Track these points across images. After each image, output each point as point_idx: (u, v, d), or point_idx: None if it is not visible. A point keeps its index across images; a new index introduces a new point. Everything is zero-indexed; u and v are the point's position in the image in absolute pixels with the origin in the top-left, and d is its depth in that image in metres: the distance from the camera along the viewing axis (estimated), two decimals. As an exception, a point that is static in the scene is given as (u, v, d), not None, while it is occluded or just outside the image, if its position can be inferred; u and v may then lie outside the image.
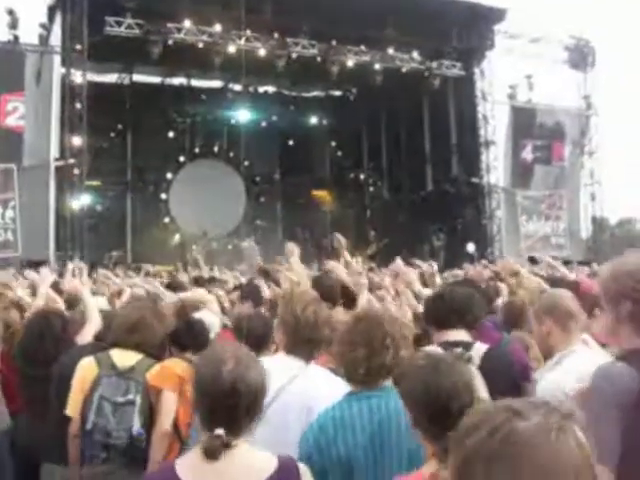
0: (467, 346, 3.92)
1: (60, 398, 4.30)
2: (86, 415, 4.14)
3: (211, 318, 5.16)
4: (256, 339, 4.31)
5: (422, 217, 27.64)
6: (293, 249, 6.52)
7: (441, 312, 4.07)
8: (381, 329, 2.99)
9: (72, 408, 4.21)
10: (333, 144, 33.61)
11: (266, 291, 7.33)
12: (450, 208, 26.78)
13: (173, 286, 8.27)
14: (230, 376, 2.37)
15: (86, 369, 4.26)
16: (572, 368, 3.38)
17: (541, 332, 3.81)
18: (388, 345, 2.95)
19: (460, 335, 4.00)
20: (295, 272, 6.37)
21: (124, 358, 4.27)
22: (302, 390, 3.29)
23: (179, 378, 4.10)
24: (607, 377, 2.39)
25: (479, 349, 3.88)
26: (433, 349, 3.68)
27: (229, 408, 2.34)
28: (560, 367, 3.54)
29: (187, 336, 4.56)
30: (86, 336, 4.94)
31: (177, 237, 28.85)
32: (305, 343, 3.47)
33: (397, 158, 30.37)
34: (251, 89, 30.67)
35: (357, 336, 2.99)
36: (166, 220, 29.55)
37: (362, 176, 33.16)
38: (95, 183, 25.58)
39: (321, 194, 32.72)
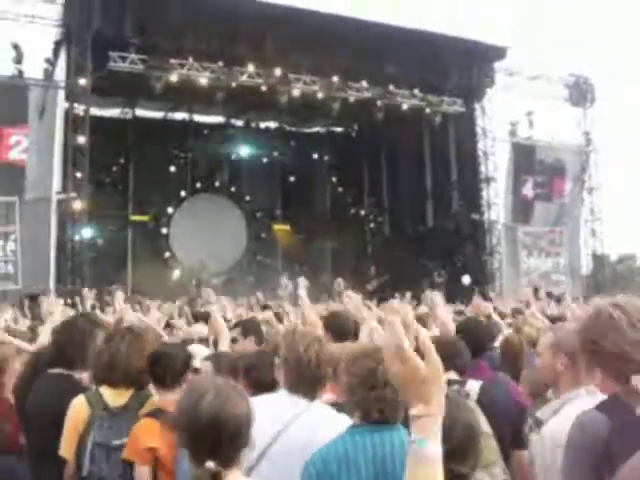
0: (461, 384, 3.99)
1: (34, 434, 4.24)
2: (81, 460, 4.04)
3: (197, 351, 5.07)
4: (258, 378, 4.25)
5: (423, 253, 27.61)
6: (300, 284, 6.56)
7: None
8: (377, 367, 2.92)
9: (66, 450, 4.12)
10: (334, 180, 33.70)
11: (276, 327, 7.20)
12: (451, 244, 26.80)
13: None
14: (209, 408, 2.38)
15: (78, 409, 4.15)
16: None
17: (551, 368, 3.69)
18: (388, 381, 2.78)
19: (450, 375, 4.08)
20: (305, 308, 6.38)
21: (115, 396, 4.19)
22: (305, 430, 3.25)
23: (149, 451, 3.86)
24: (580, 424, 2.46)
25: (473, 386, 3.99)
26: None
27: (212, 440, 2.36)
28: (564, 411, 3.48)
29: (153, 369, 4.37)
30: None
31: (177, 272, 28.79)
32: (308, 381, 3.46)
33: (398, 194, 30.40)
34: (253, 124, 30.97)
35: (369, 373, 2.96)
36: (166, 255, 29.54)
37: (363, 212, 33.21)
38: (97, 217, 25.56)
39: (279, 228, 32.54)
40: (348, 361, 3.10)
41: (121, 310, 6.57)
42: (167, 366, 4.22)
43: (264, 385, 3.96)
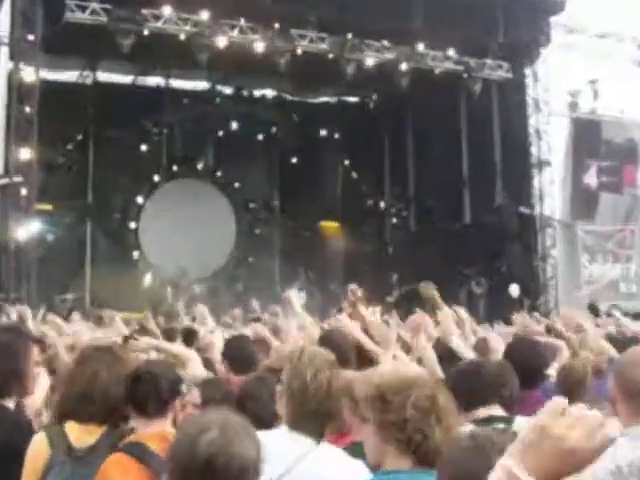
0: (507, 422, 4.06)
1: None
2: None
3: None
4: (253, 411, 4.29)
5: (458, 256, 27.52)
6: (292, 297, 6.57)
7: (471, 388, 4.35)
8: (432, 400, 3.00)
9: None
10: (347, 163, 33.61)
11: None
12: (492, 245, 26.77)
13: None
14: (209, 448, 2.40)
15: (37, 449, 4.19)
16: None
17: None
18: (440, 418, 2.98)
19: (494, 410, 4.27)
20: (304, 326, 6.64)
21: (82, 434, 4.21)
22: (312, 476, 3.28)
23: None
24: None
25: (522, 424, 3.89)
26: (468, 428, 3.68)
27: None
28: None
29: (133, 392, 4.40)
30: None
31: (148, 277, 28.85)
32: (315, 415, 3.51)
33: (427, 181, 30.35)
34: (245, 92, 30.93)
35: (432, 406, 3.00)
36: (135, 255, 29.55)
37: (383, 204, 33.16)
38: (47, 207, 25.53)
39: (330, 226, 32.71)
40: (397, 391, 3.08)
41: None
42: (151, 390, 4.22)
43: (261, 419, 3.97)
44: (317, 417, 3.52)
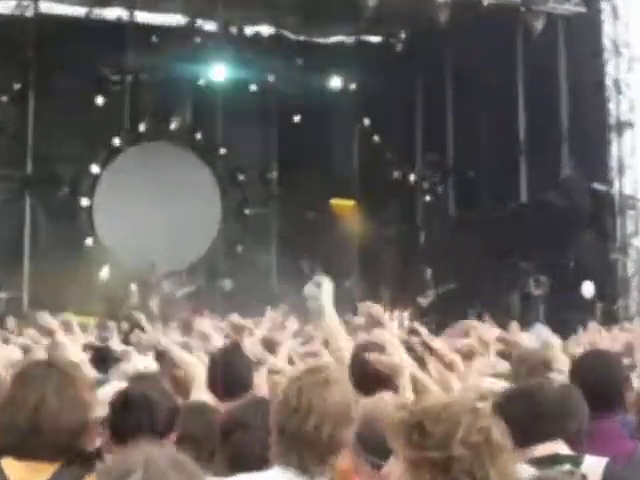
0: (574, 462, 4.17)
1: None
2: None
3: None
4: (239, 446, 4.44)
5: (510, 247, 27.65)
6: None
7: (528, 419, 4.43)
8: (486, 434, 3.00)
9: None
10: (366, 122, 33.62)
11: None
12: (556, 232, 26.55)
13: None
14: None
15: None
16: None
17: None
18: (495, 457, 2.98)
19: (556, 447, 4.37)
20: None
21: (27, 475, 4.18)
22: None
23: None
24: None
25: (593, 465, 4.18)
26: (526, 471, 3.75)
27: None
28: None
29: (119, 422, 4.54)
30: None
31: (105, 270, 28.87)
32: (314, 452, 3.71)
33: (471, 148, 30.47)
34: (233, 30, 31.05)
35: (446, 444, 2.98)
36: (88, 241, 29.62)
37: (413, 177, 33.18)
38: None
39: (343, 204, 32.75)
40: (440, 420, 3.05)
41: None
42: (144, 419, 4.38)
43: (248, 458, 4.22)
44: (318, 454, 3.71)
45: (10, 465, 4.16)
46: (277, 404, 3.90)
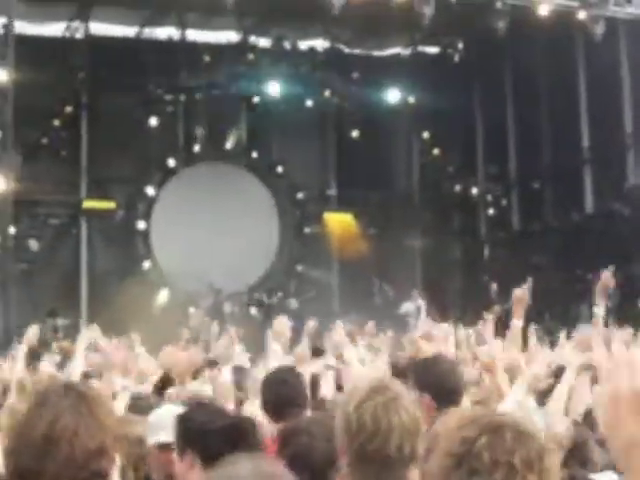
0: None
1: None
2: None
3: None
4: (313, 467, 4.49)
5: (576, 259, 27.75)
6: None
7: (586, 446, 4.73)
8: (539, 458, 2.86)
9: None
10: (425, 135, 33.83)
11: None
12: (625, 243, 26.85)
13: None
14: None
15: None
16: None
17: None
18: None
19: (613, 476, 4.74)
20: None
21: None
22: None
23: None
24: None
25: None
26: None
27: None
28: None
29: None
30: None
31: (164, 294, 28.76)
32: (392, 469, 3.75)
33: (534, 158, 30.65)
34: (287, 45, 31.10)
35: (494, 468, 2.85)
36: (145, 265, 29.77)
37: (475, 190, 33.37)
38: (27, 203, 25.63)
39: (333, 218, 32.95)
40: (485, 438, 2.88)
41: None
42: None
43: (307, 463, 4.47)
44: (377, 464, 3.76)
45: None
46: (350, 427, 3.82)
